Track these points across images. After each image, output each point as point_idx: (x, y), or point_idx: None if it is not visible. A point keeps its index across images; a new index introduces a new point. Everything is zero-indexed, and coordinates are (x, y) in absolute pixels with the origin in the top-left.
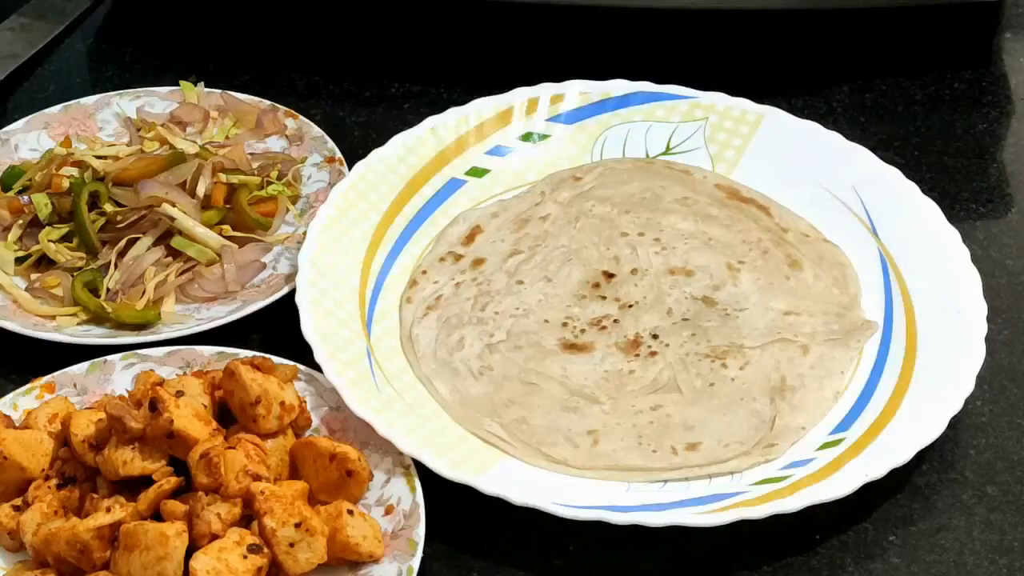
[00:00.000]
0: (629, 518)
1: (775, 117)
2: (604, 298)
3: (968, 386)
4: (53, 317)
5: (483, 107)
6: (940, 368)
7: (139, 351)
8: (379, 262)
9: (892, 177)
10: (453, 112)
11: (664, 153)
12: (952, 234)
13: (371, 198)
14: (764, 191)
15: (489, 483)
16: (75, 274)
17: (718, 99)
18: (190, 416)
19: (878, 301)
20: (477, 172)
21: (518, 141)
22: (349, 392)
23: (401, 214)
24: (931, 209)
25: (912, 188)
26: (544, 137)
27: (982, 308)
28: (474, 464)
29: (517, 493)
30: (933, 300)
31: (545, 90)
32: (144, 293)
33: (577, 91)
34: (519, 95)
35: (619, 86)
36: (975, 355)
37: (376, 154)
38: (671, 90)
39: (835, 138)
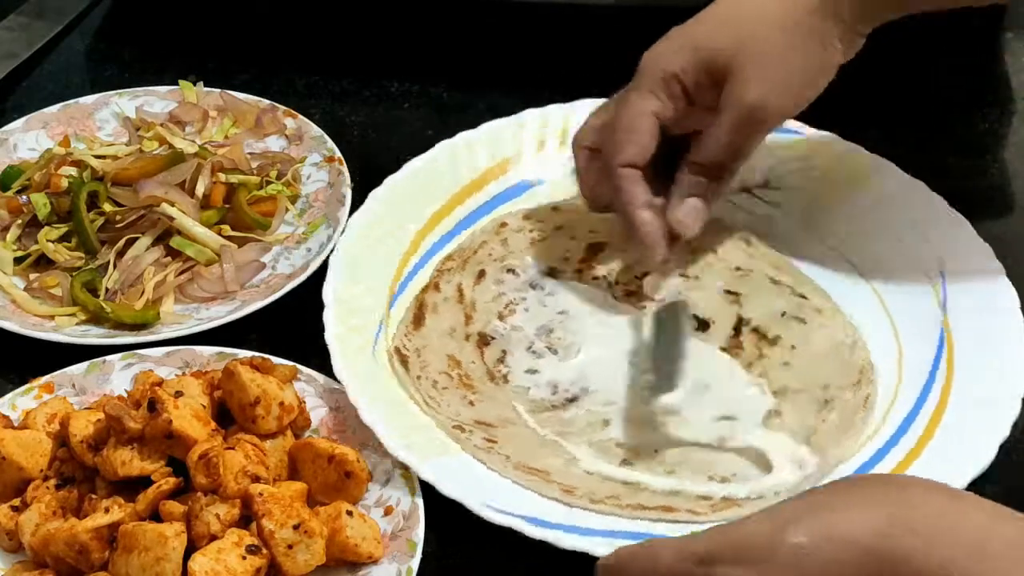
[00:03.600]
0: (541, 534)
1: (887, 171)
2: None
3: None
4: (52, 317)
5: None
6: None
7: (138, 351)
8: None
9: (982, 253)
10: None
11: (765, 187)
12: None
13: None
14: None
15: (431, 470)
16: (74, 274)
17: (835, 142)
18: (189, 416)
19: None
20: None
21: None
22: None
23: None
24: (1010, 296)
25: (998, 271)
26: None
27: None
28: (432, 449)
29: (450, 486)
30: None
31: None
32: (143, 293)
33: None
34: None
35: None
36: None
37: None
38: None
39: (938, 202)
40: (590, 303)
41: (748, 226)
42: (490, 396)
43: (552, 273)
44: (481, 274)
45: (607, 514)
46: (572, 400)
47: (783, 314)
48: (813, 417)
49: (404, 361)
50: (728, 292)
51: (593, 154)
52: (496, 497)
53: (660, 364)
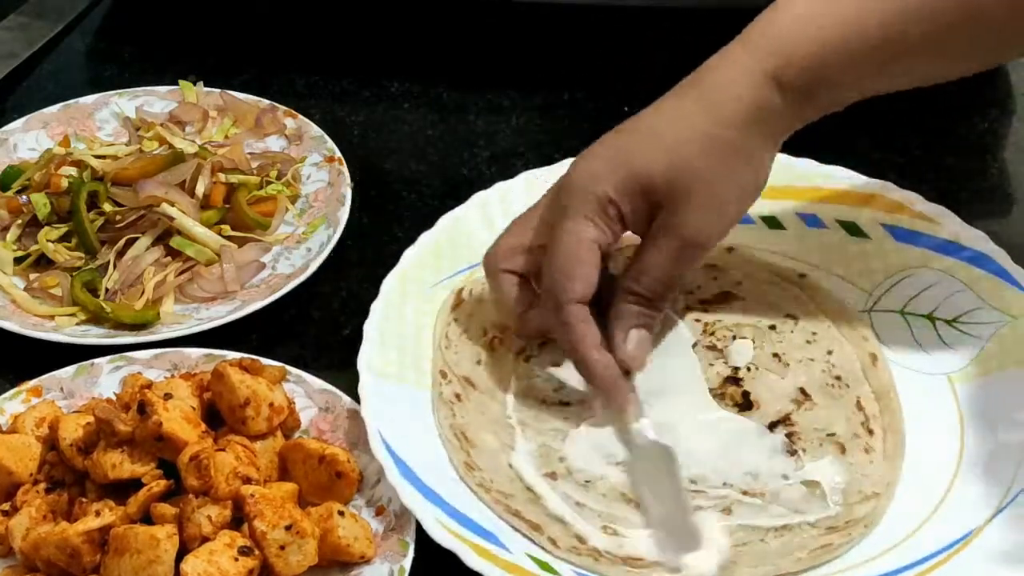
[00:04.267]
0: (397, 481)
1: None
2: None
3: None
4: (52, 317)
5: None
6: None
7: (126, 354)
8: None
9: None
10: None
11: (950, 321)
12: None
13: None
14: (991, 409)
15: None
16: (74, 274)
17: None
18: (179, 419)
19: None
20: None
21: None
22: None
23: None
24: None
25: None
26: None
27: None
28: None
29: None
30: None
31: None
32: (143, 293)
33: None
34: None
35: (980, 238)
36: None
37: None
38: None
39: None
40: (682, 354)
41: (898, 344)
42: (499, 364)
43: (691, 308)
44: None
45: (483, 502)
46: (564, 404)
47: (830, 435)
48: (754, 533)
49: (457, 304)
50: (802, 392)
51: (521, 280)
52: (397, 434)
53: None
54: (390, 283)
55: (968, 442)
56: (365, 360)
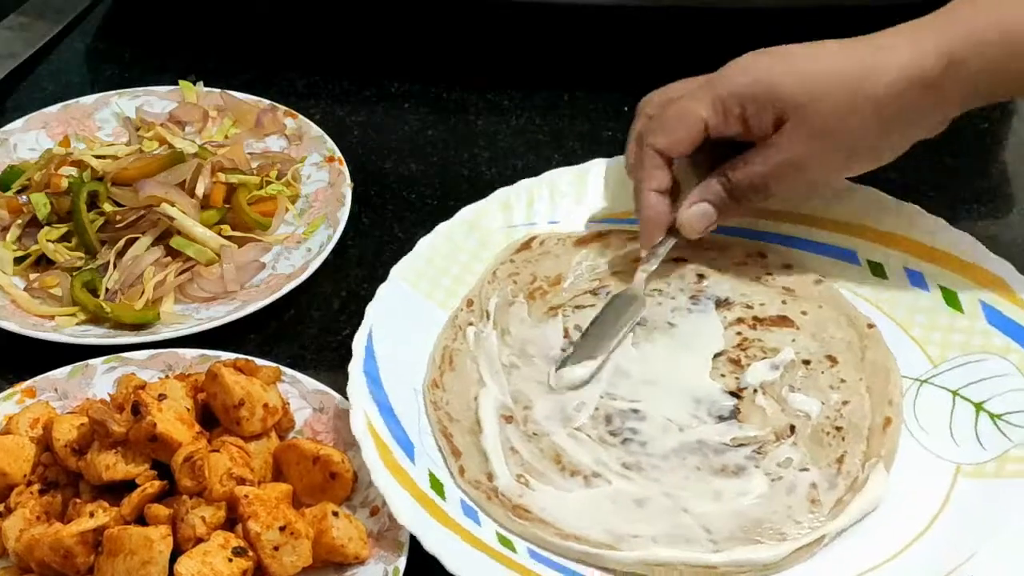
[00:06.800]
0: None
1: None
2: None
3: None
4: (52, 317)
5: None
6: None
7: (120, 354)
8: None
9: None
10: None
11: (994, 415)
12: None
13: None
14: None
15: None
16: (74, 274)
17: None
18: (173, 419)
19: None
20: None
21: None
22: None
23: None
24: None
25: None
26: None
27: None
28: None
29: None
30: None
31: None
32: (143, 293)
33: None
34: None
35: None
36: None
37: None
38: None
39: None
40: (697, 357)
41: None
42: (526, 315)
43: (722, 304)
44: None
45: (425, 417)
46: (561, 365)
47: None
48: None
49: (522, 248)
50: (790, 429)
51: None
52: (387, 335)
53: (586, 338)
54: (464, 214)
55: (932, 531)
56: (401, 267)
